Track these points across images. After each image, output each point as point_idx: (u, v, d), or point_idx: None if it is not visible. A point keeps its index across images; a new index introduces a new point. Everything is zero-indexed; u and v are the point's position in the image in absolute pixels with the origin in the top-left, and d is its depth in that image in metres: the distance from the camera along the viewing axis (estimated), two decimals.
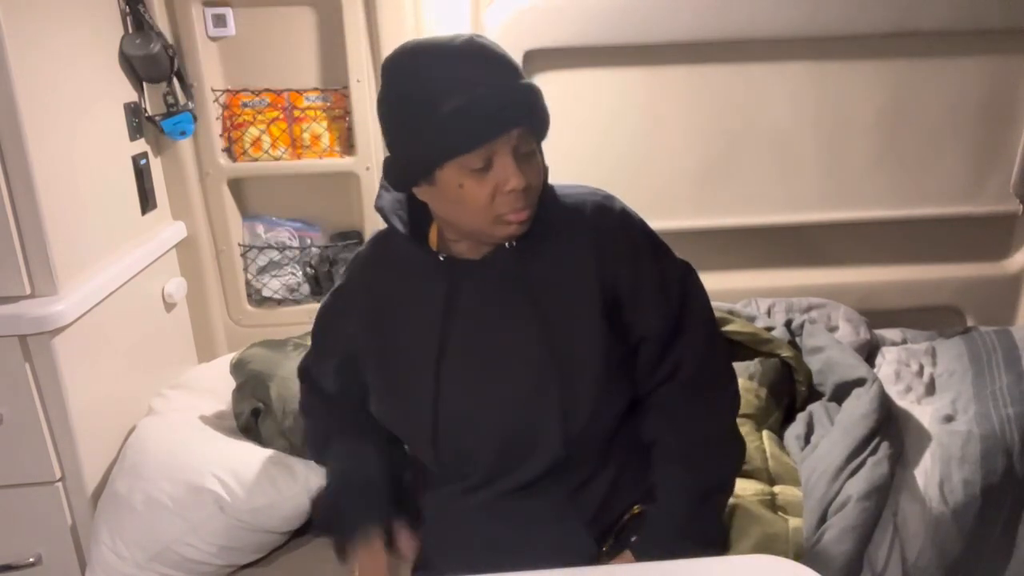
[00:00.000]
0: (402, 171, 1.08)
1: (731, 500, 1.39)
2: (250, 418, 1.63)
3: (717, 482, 1.20)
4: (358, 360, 1.25)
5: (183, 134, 1.86)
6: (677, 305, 1.19)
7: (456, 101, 0.99)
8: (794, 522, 1.36)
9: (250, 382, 1.66)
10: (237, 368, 1.70)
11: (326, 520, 1.36)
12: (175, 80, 1.83)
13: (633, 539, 1.15)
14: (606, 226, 1.16)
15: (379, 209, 1.17)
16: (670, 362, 1.19)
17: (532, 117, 1.05)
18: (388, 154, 1.10)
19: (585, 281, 1.14)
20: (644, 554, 1.12)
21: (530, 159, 1.06)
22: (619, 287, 1.15)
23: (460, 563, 1.11)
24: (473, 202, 1.04)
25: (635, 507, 1.20)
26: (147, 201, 1.81)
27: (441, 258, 1.14)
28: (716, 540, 1.22)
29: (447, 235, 1.15)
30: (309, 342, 1.81)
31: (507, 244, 1.12)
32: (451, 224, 1.11)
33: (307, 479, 1.48)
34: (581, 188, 1.21)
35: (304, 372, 1.38)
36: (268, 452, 1.55)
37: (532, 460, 1.15)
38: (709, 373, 1.21)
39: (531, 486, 1.17)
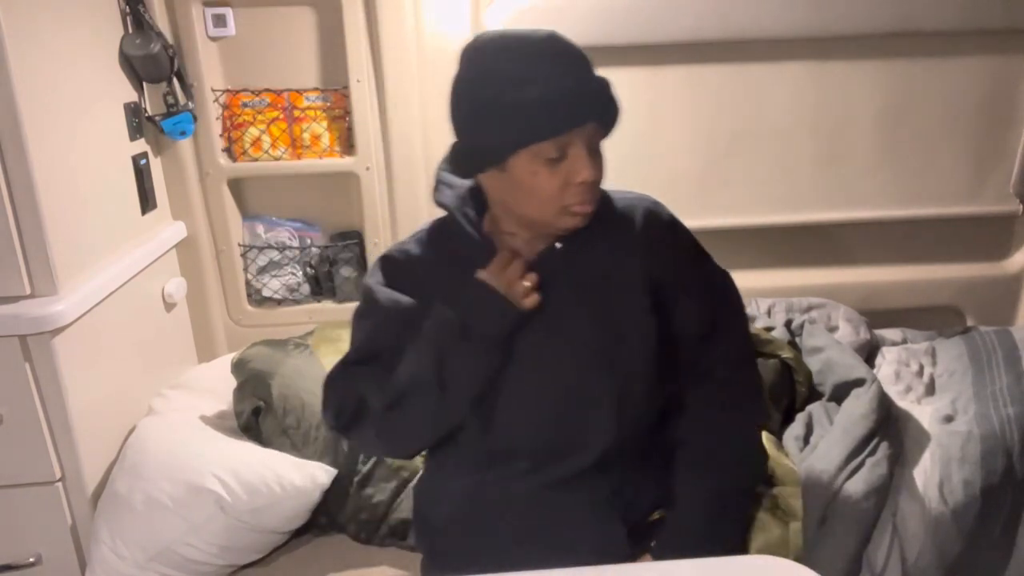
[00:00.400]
0: (473, 156, 1.10)
1: None
2: (251, 417, 1.63)
3: (736, 488, 1.20)
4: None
5: (183, 134, 1.86)
6: (713, 311, 1.22)
7: (540, 88, 1.01)
8: (793, 524, 1.36)
9: (251, 381, 1.66)
10: (238, 367, 1.71)
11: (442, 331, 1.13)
12: (175, 80, 1.83)
13: (652, 543, 1.16)
14: (655, 229, 1.20)
15: (442, 204, 1.17)
16: (702, 366, 1.21)
17: (608, 113, 1.08)
18: (456, 140, 1.11)
19: (634, 280, 1.17)
20: (661, 557, 1.13)
21: (597, 155, 1.09)
22: (663, 288, 1.18)
23: (485, 553, 1.13)
24: (543, 191, 1.06)
25: (656, 512, 1.20)
26: (147, 201, 1.81)
27: None
28: (733, 546, 1.22)
29: (503, 227, 1.16)
30: (310, 342, 1.83)
31: (556, 244, 1.14)
32: (513, 213, 1.13)
33: (308, 479, 1.48)
34: (630, 192, 1.25)
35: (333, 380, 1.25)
36: (269, 452, 1.55)
37: (580, 453, 1.16)
38: (737, 380, 1.23)
39: (573, 480, 1.17)
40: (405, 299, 1.17)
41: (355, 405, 1.17)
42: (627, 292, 1.17)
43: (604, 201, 1.17)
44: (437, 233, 1.22)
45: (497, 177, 1.09)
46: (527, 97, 1.01)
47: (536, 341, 1.14)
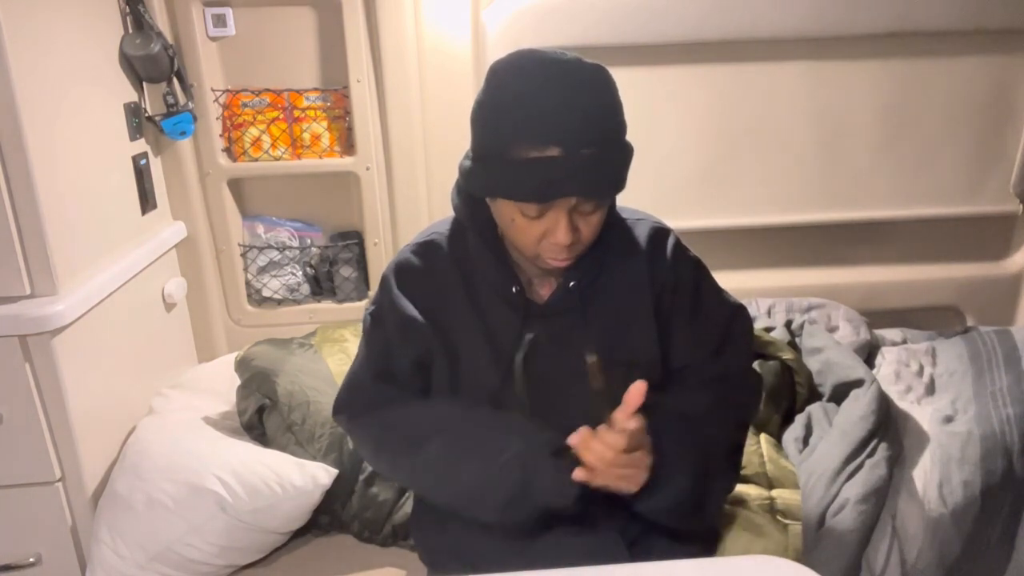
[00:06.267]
0: (472, 180, 1.10)
1: (733, 509, 1.40)
2: (255, 415, 1.63)
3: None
4: (430, 360, 1.22)
5: (183, 134, 1.86)
6: (716, 339, 1.23)
7: (531, 153, 0.99)
8: (793, 527, 1.37)
9: (256, 378, 1.66)
10: (242, 365, 1.71)
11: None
12: (175, 80, 1.83)
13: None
14: (659, 253, 1.21)
15: (456, 211, 1.19)
16: (707, 388, 1.23)
17: (598, 190, 1.05)
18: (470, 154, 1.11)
19: (644, 311, 1.19)
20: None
21: (588, 216, 1.07)
22: (666, 313, 1.20)
23: (485, 551, 1.13)
24: (522, 237, 1.08)
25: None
26: (147, 201, 1.81)
27: (514, 290, 1.16)
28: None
29: (506, 239, 1.18)
30: (313, 342, 1.83)
31: (570, 284, 1.15)
32: (505, 236, 1.15)
33: (309, 479, 1.48)
34: (636, 212, 1.26)
35: (347, 404, 1.28)
36: (270, 452, 1.55)
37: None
38: (735, 390, 1.24)
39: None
40: (416, 316, 1.19)
41: (377, 423, 1.23)
42: (637, 325, 1.18)
43: (615, 226, 1.19)
44: (451, 235, 1.23)
45: (491, 203, 1.11)
46: (517, 156, 0.99)
47: (547, 373, 1.16)
